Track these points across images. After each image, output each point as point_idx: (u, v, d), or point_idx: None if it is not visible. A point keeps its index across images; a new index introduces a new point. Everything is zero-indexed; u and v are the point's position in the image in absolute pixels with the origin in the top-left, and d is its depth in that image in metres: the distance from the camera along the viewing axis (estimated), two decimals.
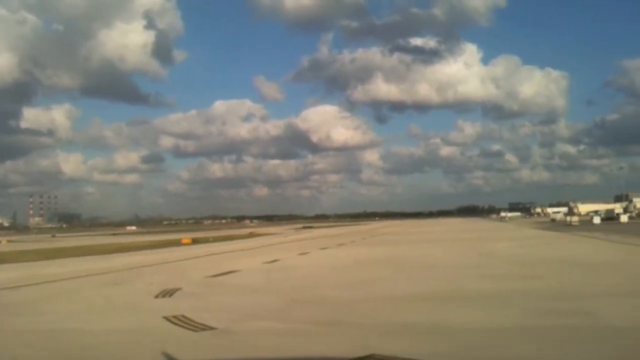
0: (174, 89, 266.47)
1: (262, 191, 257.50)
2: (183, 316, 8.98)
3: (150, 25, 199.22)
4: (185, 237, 49.84)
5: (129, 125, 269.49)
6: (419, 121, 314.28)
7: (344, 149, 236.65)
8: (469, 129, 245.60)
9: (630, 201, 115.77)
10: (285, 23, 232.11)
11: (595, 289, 10.82)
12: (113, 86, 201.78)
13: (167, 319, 8.88)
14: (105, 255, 29.92)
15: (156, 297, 11.76)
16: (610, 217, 67.09)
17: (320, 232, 68.57)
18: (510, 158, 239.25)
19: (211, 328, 8.06)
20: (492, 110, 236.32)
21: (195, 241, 45.69)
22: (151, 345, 7.11)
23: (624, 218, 60.26)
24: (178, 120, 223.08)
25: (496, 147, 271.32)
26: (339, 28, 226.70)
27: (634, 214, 75.28)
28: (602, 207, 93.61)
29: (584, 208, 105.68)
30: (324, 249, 29.23)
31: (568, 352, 6.27)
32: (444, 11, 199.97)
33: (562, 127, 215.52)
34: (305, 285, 13.34)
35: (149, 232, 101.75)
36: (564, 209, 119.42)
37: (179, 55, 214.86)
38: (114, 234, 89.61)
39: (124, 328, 8.56)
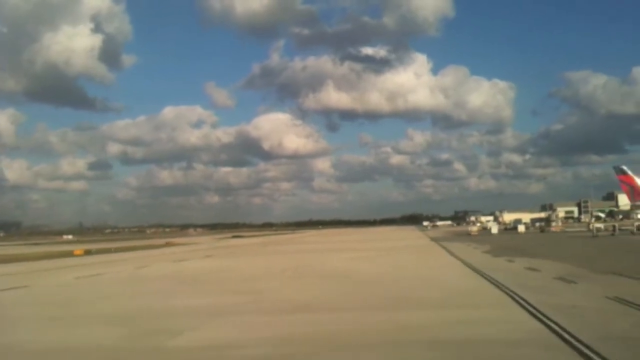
0: (122, 94, 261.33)
1: (212, 199, 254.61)
2: None
3: (97, 28, 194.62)
4: (78, 248, 49.61)
5: (75, 131, 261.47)
6: (370, 130, 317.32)
7: (295, 157, 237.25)
8: (419, 137, 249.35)
9: (554, 210, 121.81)
10: (236, 29, 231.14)
11: (281, 305, 12.09)
12: (59, 90, 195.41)
13: None
14: None
15: None
16: (515, 227, 70.44)
17: (238, 241, 69.35)
18: (459, 167, 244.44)
19: None
20: (441, 120, 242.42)
21: (90, 252, 45.71)
22: None
23: (521, 228, 64.27)
24: (126, 126, 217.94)
25: (445, 156, 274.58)
26: (290, 35, 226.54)
27: (543, 224, 79.02)
28: (526, 216, 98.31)
29: (508, 217, 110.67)
30: (180, 261, 30.08)
31: None
32: (395, 21, 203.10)
33: (509, 137, 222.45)
34: (47, 303, 14.28)
35: (79, 241, 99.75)
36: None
37: (127, 60, 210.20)
38: (35, 244, 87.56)
39: None
